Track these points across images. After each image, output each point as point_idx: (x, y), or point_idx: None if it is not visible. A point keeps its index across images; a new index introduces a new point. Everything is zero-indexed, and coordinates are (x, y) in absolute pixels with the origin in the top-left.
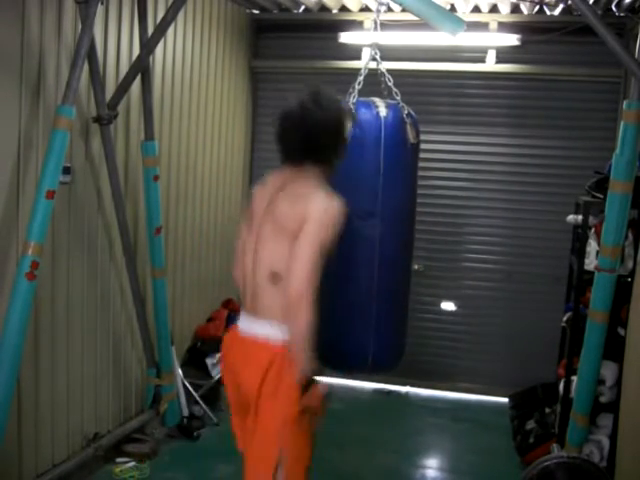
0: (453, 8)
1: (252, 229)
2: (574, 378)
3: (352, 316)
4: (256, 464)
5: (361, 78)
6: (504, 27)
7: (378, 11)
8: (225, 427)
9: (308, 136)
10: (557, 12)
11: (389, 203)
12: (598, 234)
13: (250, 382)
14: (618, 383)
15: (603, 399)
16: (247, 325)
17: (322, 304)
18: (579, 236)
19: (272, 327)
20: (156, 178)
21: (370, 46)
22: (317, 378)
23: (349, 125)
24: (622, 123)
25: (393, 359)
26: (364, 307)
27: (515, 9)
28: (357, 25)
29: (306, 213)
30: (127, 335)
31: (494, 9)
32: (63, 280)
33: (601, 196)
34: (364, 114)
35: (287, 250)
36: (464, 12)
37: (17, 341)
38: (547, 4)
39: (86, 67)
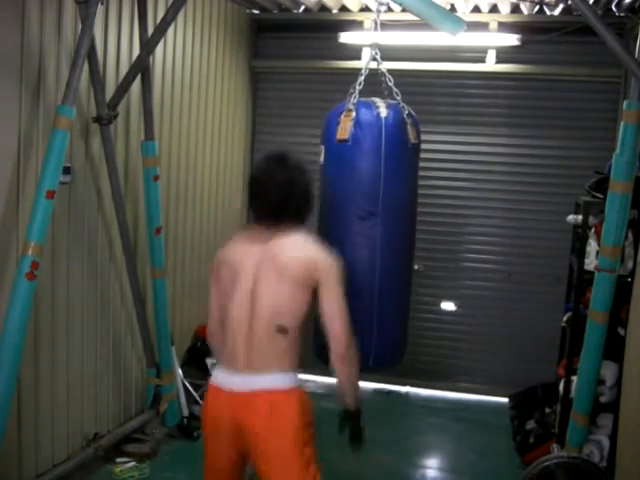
0: (453, 8)
1: (238, 285)
2: (574, 378)
3: (353, 315)
4: None
5: (362, 78)
6: (504, 27)
7: (378, 11)
8: None
9: (285, 199)
10: (557, 12)
11: (390, 203)
12: (598, 234)
13: (279, 435)
14: (618, 383)
15: (603, 399)
16: (247, 382)
17: None
18: (579, 236)
19: (282, 377)
20: (156, 178)
21: (370, 46)
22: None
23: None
24: (622, 123)
25: (394, 358)
26: (365, 306)
27: (515, 9)
28: (357, 25)
29: (315, 266)
30: (127, 335)
31: (494, 9)
32: (63, 280)
33: (601, 196)
34: (365, 115)
35: (292, 300)
36: (464, 12)
37: (17, 341)
38: (547, 4)
39: (86, 67)
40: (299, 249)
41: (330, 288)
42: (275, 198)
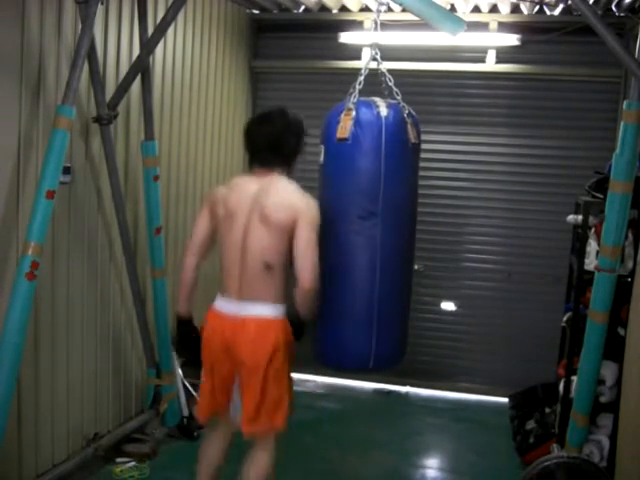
0: (453, 8)
1: (234, 225)
2: (574, 378)
3: (353, 315)
4: (276, 402)
5: (362, 78)
6: (504, 27)
7: (378, 11)
8: None
9: (279, 141)
10: (557, 12)
11: (390, 202)
12: (598, 234)
13: (261, 354)
14: (618, 383)
15: (603, 399)
16: (238, 308)
17: (324, 302)
18: (579, 236)
19: (268, 307)
20: (156, 178)
21: (370, 46)
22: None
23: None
24: (622, 123)
25: (394, 359)
26: (365, 306)
27: (515, 9)
28: (357, 25)
29: (296, 212)
30: (127, 335)
31: (494, 9)
32: (63, 280)
33: (601, 196)
34: (365, 114)
35: (276, 241)
36: (464, 12)
37: (17, 341)
38: (547, 4)
39: (86, 67)
40: (284, 198)
41: (304, 231)
42: (269, 140)
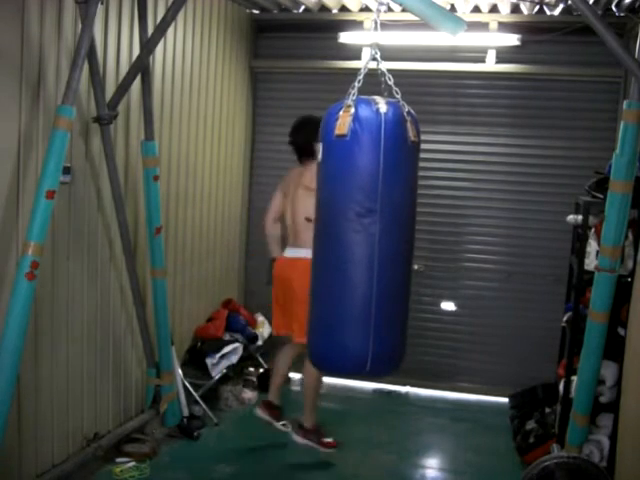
0: (453, 8)
1: (288, 196)
2: (574, 378)
3: (350, 316)
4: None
5: (361, 77)
6: (504, 27)
7: (378, 11)
8: (225, 427)
9: (300, 144)
10: (557, 12)
11: (389, 200)
12: (598, 234)
13: (299, 280)
14: (618, 383)
15: (603, 399)
16: (292, 253)
17: (319, 303)
18: (579, 236)
19: (305, 251)
20: (156, 178)
21: (370, 46)
22: None
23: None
24: (622, 123)
25: (392, 364)
26: (363, 306)
27: (515, 9)
28: (357, 25)
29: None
30: (127, 335)
31: (494, 9)
32: (63, 280)
33: (601, 196)
34: (364, 110)
35: (312, 205)
36: (464, 12)
37: (17, 341)
38: (547, 4)
39: (86, 67)
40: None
41: None
42: (296, 144)
